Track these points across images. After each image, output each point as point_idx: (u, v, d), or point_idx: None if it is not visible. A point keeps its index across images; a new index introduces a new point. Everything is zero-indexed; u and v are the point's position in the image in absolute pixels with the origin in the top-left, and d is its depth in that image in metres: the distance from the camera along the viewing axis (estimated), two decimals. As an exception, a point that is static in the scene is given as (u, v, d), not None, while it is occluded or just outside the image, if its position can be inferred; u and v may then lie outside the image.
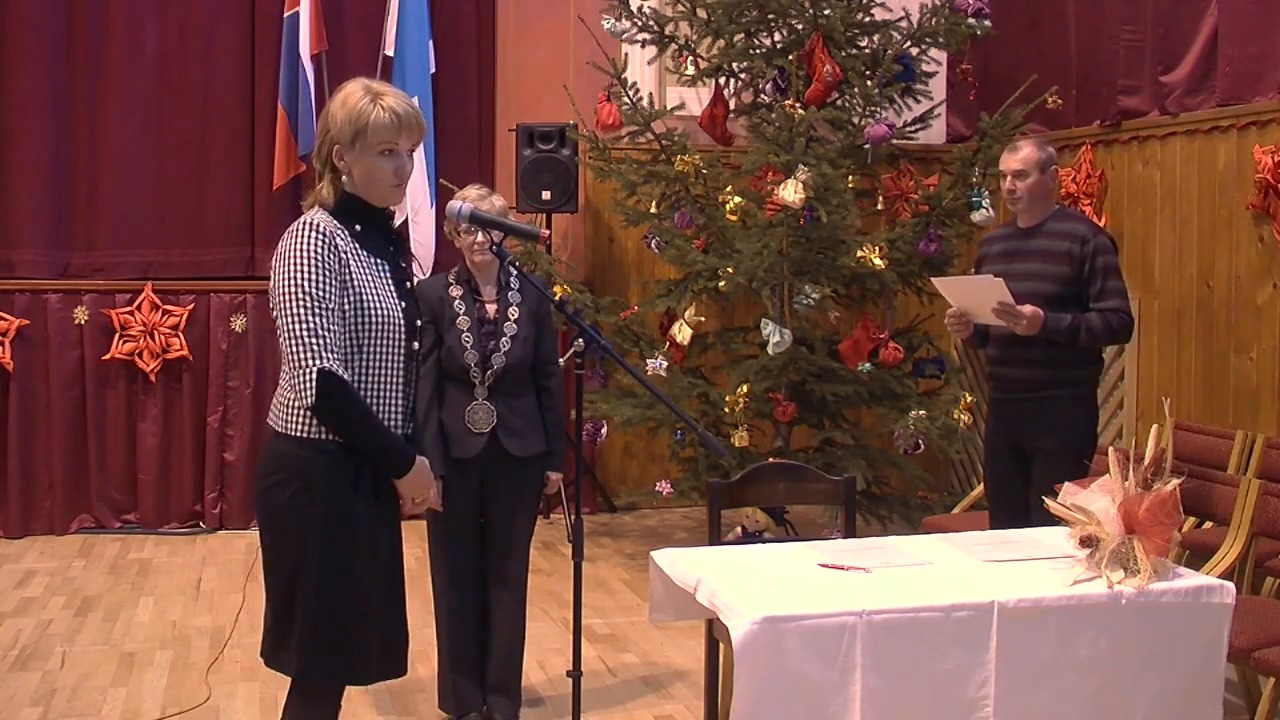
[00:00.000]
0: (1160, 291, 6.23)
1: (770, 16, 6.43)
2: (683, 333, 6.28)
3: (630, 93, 6.32)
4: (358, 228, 2.81)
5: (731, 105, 6.72)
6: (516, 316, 4.10)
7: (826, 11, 6.30)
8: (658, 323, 6.64)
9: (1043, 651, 2.86)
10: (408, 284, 2.91)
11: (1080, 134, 6.77)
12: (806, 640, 2.72)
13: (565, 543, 5.45)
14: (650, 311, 6.64)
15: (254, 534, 6.62)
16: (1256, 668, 3.67)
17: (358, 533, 2.78)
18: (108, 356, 6.81)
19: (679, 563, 3.16)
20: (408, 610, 2.98)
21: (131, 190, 7.01)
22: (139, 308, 6.85)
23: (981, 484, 5.25)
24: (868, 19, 6.49)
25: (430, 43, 7.06)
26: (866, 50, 6.46)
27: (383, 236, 2.89)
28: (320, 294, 2.69)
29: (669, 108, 6.53)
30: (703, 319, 6.41)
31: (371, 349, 2.78)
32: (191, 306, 6.94)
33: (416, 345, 2.91)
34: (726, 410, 6.00)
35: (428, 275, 4.63)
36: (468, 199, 3.71)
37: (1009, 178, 4.46)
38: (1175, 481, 3.00)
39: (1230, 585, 3.01)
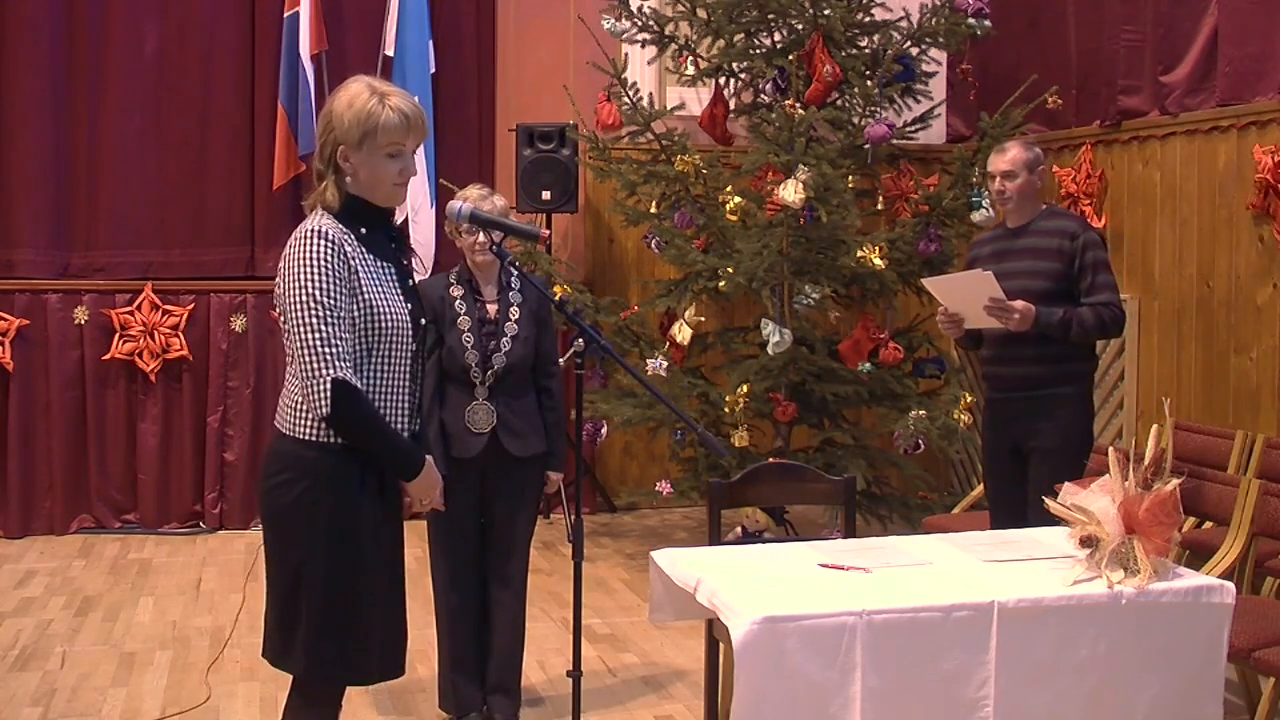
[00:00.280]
0: (1160, 291, 6.23)
1: (770, 16, 6.42)
2: (683, 333, 6.27)
3: (630, 93, 6.32)
4: (363, 231, 2.81)
5: (731, 105, 6.71)
6: (517, 317, 4.10)
7: (826, 11, 6.30)
8: (658, 323, 6.64)
9: (1042, 651, 2.86)
10: (410, 282, 2.91)
11: (1080, 134, 6.77)
12: (806, 640, 2.72)
13: (565, 543, 5.45)
14: (650, 311, 6.64)
15: (254, 534, 6.67)
16: (1256, 668, 3.67)
17: (363, 532, 2.78)
18: (108, 356, 6.81)
19: (679, 563, 3.16)
20: (408, 610, 2.98)
21: (131, 190, 7.00)
22: (139, 308, 6.85)
23: (981, 484, 5.25)
24: (868, 19, 6.49)
25: (430, 43, 7.06)
26: (866, 50, 6.46)
27: (386, 237, 2.89)
28: (331, 301, 2.69)
29: (669, 108, 6.53)
30: (703, 319, 6.40)
31: (380, 353, 2.79)
32: (191, 306, 6.94)
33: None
34: (726, 410, 6.00)
35: (428, 275, 4.61)
36: (469, 199, 3.71)
37: (998, 179, 4.49)
38: (1175, 481, 3.00)
39: (1230, 585, 3.01)
